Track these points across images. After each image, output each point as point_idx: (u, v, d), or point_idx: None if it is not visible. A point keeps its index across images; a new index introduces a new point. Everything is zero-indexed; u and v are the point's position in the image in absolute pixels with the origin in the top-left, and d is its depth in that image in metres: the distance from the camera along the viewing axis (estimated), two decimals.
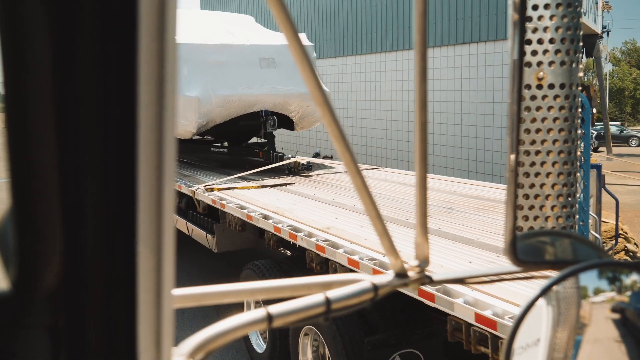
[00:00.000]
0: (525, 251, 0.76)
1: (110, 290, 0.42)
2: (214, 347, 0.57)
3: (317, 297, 0.63)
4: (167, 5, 0.40)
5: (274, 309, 0.60)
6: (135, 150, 0.40)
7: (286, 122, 9.65)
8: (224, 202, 6.52)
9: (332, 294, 0.65)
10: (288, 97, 9.24)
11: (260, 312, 0.60)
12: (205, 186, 7.36)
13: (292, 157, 8.71)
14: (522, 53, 0.71)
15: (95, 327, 0.42)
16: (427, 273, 0.74)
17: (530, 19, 1.75)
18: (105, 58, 0.39)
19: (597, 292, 0.74)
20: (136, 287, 0.42)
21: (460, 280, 0.81)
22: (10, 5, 0.36)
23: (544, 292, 0.68)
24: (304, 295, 0.65)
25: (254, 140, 10.40)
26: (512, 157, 0.74)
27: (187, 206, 8.21)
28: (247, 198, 6.54)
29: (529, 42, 1.76)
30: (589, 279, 0.74)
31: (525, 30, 1.68)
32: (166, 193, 0.42)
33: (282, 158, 8.83)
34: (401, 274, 0.72)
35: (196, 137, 9.77)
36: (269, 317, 0.60)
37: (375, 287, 0.68)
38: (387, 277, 0.71)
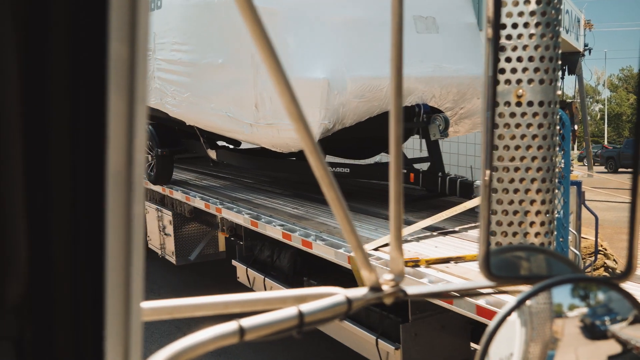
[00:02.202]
0: (499, 266, 0.76)
1: (77, 302, 0.42)
2: None
3: (290, 311, 0.63)
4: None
5: (246, 322, 0.60)
6: (104, 160, 0.40)
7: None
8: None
9: (306, 307, 0.65)
10: (457, 82, 5.55)
11: (231, 325, 0.59)
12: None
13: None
14: (496, 69, 0.72)
15: (63, 339, 0.42)
16: (401, 287, 0.74)
17: (510, 37, 1.78)
18: (75, 61, 0.39)
19: (571, 307, 0.75)
20: (104, 299, 0.42)
21: (436, 295, 0.81)
22: None
23: (516, 306, 0.69)
24: (278, 308, 0.65)
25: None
26: (487, 172, 0.75)
27: (295, 268, 5.39)
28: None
29: (509, 59, 1.78)
30: (563, 294, 0.74)
31: (499, 46, 1.71)
32: (135, 203, 0.42)
33: (468, 187, 5.11)
34: (375, 288, 0.72)
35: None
36: (241, 330, 0.60)
37: (349, 301, 0.68)
38: (361, 291, 0.71)
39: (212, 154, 7.68)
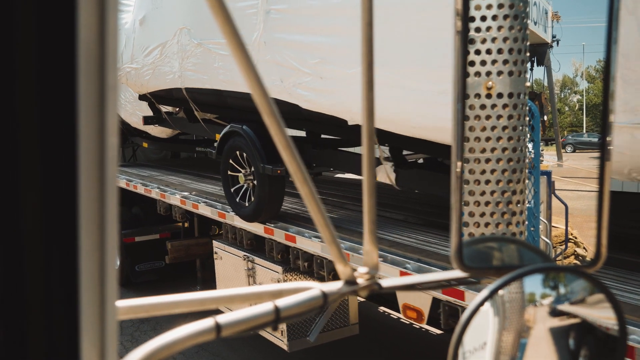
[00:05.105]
0: (472, 257, 0.78)
1: (51, 301, 0.41)
2: (160, 358, 0.56)
3: (266, 306, 0.64)
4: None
5: (223, 318, 0.60)
6: (75, 157, 0.40)
7: None
8: None
9: (282, 302, 0.65)
10: None
11: (208, 322, 0.59)
12: None
13: None
14: (465, 62, 0.73)
15: (37, 339, 0.41)
16: (376, 280, 0.74)
17: (479, 29, 1.80)
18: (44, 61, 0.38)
19: (542, 296, 0.76)
20: (79, 298, 0.42)
21: (410, 287, 0.82)
22: None
23: (489, 296, 0.70)
24: (254, 304, 0.65)
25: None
26: (459, 164, 0.76)
27: None
28: None
29: (478, 52, 1.80)
30: (534, 283, 0.76)
31: (468, 39, 1.72)
32: (108, 200, 0.42)
33: None
34: (350, 281, 0.72)
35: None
36: (218, 327, 0.60)
37: (325, 295, 0.69)
38: (336, 284, 0.71)
39: (391, 175, 4.27)
